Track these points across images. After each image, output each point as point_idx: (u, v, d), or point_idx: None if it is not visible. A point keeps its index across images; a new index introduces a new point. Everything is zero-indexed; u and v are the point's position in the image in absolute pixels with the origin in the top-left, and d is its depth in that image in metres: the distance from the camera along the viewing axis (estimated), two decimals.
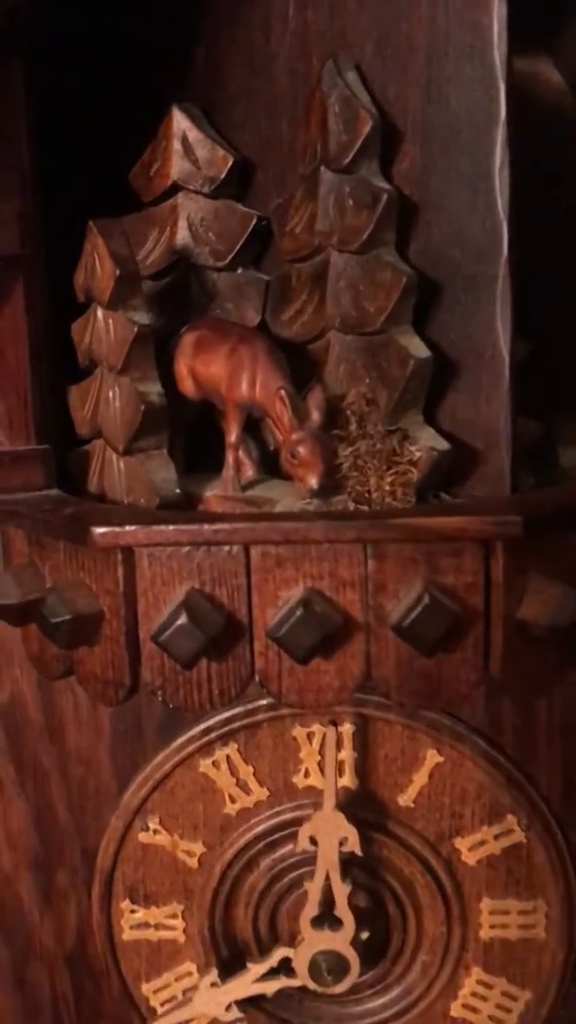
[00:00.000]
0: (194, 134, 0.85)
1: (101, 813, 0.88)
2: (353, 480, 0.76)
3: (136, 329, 0.79)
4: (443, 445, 0.76)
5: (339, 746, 0.84)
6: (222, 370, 0.80)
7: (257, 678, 0.72)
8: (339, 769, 0.85)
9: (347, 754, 0.85)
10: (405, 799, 0.86)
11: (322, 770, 0.86)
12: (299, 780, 0.86)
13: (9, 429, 0.81)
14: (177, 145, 0.84)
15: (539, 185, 1.03)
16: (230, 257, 0.85)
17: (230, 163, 0.84)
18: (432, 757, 0.85)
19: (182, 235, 0.86)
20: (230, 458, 0.81)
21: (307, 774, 0.86)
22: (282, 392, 0.76)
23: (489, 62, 0.75)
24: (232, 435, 0.81)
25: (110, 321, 0.80)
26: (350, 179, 0.79)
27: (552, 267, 0.99)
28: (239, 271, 0.86)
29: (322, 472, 0.75)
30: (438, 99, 0.77)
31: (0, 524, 0.79)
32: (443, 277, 0.79)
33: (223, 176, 0.84)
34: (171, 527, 0.71)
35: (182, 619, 0.70)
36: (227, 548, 0.71)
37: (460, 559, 0.71)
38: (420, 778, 0.86)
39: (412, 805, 0.86)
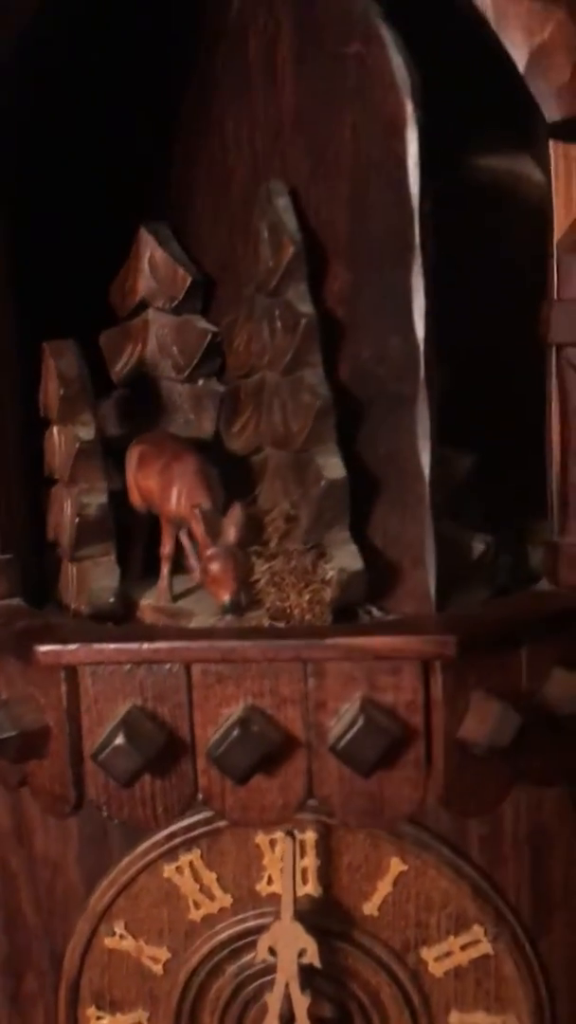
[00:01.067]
0: (159, 254, 0.87)
1: (69, 916, 0.87)
2: (272, 596, 0.76)
3: (78, 445, 0.81)
4: (355, 566, 0.76)
5: (302, 853, 0.83)
6: (156, 485, 0.81)
7: (200, 796, 0.72)
8: (302, 877, 0.84)
9: (310, 861, 0.84)
10: (370, 907, 0.85)
11: None
12: (262, 887, 0.85)
13: None
14: (144, 264, 0.87)
15: (521, 280, 1.04)
16: (188, 370, 0.87)
17: (188, 283, 0.86)
18: (396, 865, 0.84)
19: (151, 348, 0.89)
20: (164, 569, 0.82)
21: (270, 881, 0.85)
22: (196, 510, 0.76)
23: (404, 189, 0.75)
24: (165, 547, 0.82)
25: (61, 436, 0.83)
26: (278, 302, 0.80)
27: (535, 362, 0.99)
28: (200, 383, 0.88)
29: (233, 590, 0.75)
30: (362, 222, 0.78)
31: None
32: (370, 395, 0.79)
33: (182, 295, 0.87)
34: (111, 645, 0.71)
35: (119, 739, 0.69)
36: (167, 666, 0.71)
37: (399, 677, 0.70)
38: (384, 886, 0.84)
39: (377, 914, 0.85)
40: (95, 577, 0.81)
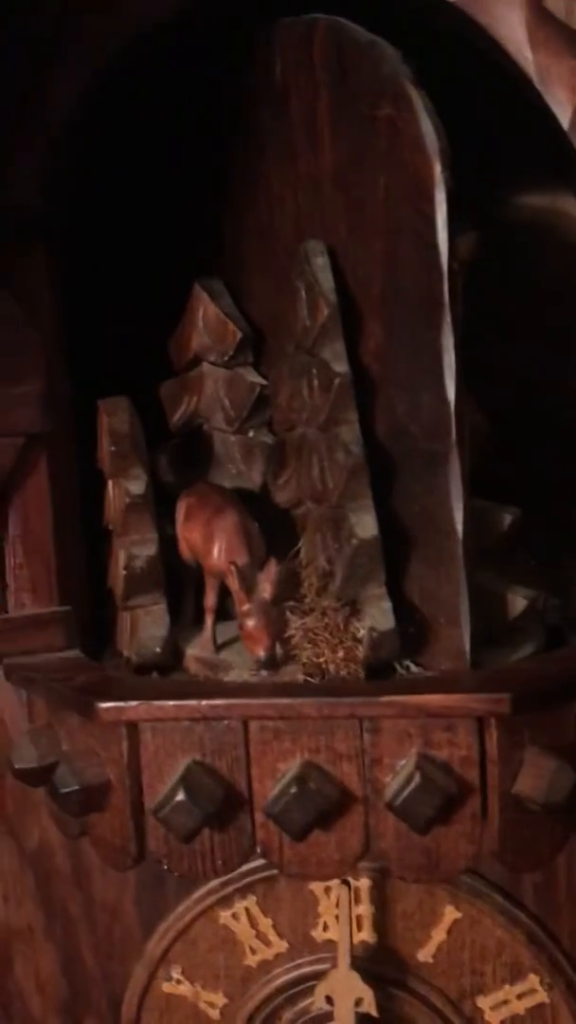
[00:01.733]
0: (211, 309, 0.89)
1: (127, 961, 0.89)
2: (308, 651, 0.76)
3: (127, 499, 0.84)
4: (386, 625, 0.76)
5: (356, 900, 0.84)
6: (199, 539, 0.83)
7: (258, 849, 0.74)
8: (357, 923, 0.85)
9: (365, 908, 0.85)
10: (424, 955, 0.86)
11: None
12: (318, 934, 0.86)
13: (33, 593, 0.85)
14: (198, 319, 0.89)
15: (563, 318, 1.05)
16: (238, 422, 0.89)
17: (238, 338, 0.88)
18: (450, 913, 0.85)
19: (206, 400, 0.91)
20: (208, 620, 0.83)
21: (326, 927, 0.86)
22: (232, 567, 0.78)
23: (434, 249, 0.75)
24: (209, 599, 0.83)
25: (114, 489, 0.85)
26: (315, 360, 0.81)
27: None
28: (250, 434, 0.90)
29: (267, 646, 0.76)
30: (394, 281, 0.78)
31: (25, 687, 0.83)
32: (405, 452, 0.79)
33: (232, 350, 0.89)
34: (171, 703, 0.72)
35: (180, 795, 0.71)
36: (225, 722, 0.72)
37: (454, 733, 0.70)
38: (439, 934, 0.85)
39: (432, 961, 0.85)
40: (144, 626, 0.83)
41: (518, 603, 0.80)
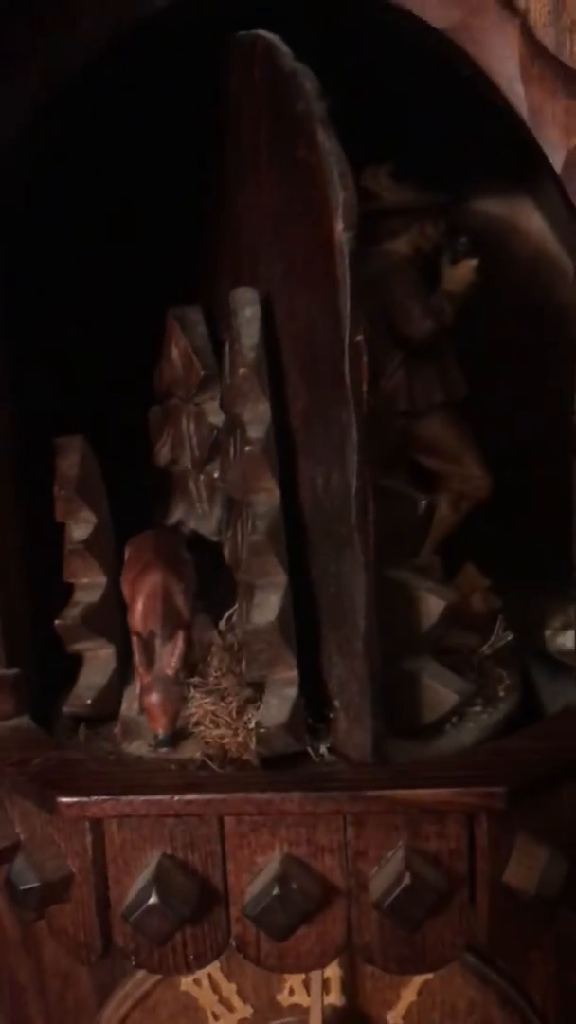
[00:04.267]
0: (181, 343, 0.83)
1: None
2: (211, 732, 0.73)
3: (70, 545, 0.80)
4: (276, 719, 0.71)
5: None
6: (128, 594, 0.80)
7: (234, 943, 0.69)
8: (325, 986, 0.82)
9: (333, 971, 0.82)
10: (394, 1016, 0.84)
11: (307, 988, 0.83)
12: (283, 998, 0.83)
13: None
14: (172, 351, 0.84)
15: (520, 327, 1.01)
16: (201, 463, 0.84)
17: (200, 376, 0.82)
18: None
19: (179, 434, 0.86)
20: (137, 679, 0.79)
21: (291, 992, 0.84)
22: (135, 637, 0.75)
23: (337, 316, 0.66)
24: (136, 658, 0.78)
25: (65, 533, 0.81)
26: (237, 421, 0.75)
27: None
28: (215, 475, 0.84)
29: (165, 725, 0.74)
30: (314, 344, 0.71)
31: None
32: (321, 530, 0.73)
33: (195, 388, 0.83)
34: (141, 799, 0.67)
35: (153, 898, 0.66)
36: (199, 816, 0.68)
37: (443, 825, 0.67)
38: (408, 994, 0.83)
39: (401, 1022, 0.84)
40: (87, 673, 0.80)
41: (448, 698, 0.74)
